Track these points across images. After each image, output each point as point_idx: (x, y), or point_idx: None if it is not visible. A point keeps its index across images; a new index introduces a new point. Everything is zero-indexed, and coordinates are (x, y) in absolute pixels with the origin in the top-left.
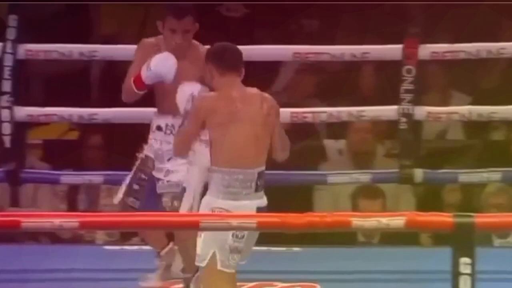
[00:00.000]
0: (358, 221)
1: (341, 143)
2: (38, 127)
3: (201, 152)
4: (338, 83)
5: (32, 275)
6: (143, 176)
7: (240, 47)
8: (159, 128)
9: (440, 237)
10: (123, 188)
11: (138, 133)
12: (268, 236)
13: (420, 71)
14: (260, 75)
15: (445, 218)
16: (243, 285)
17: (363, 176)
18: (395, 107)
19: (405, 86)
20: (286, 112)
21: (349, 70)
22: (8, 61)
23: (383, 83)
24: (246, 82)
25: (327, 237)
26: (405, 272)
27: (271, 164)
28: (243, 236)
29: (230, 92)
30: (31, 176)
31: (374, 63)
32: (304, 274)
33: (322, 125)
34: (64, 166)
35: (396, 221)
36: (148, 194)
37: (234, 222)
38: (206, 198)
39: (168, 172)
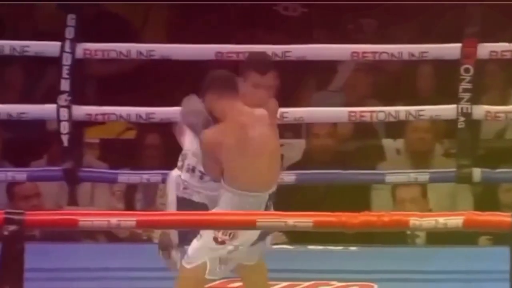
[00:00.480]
0: (416, 220)
1: (399, 143)
2: (95, 126)
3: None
4: (396, 82)
5: (89, 274)
6: None
7: (298, 46)
8: None
9: (498, 236)
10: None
11: None
12: (325, 236)
13: (478, 70)
14: (318, 74)
15: (503, 217)
16: (300, 284)
17: (421, 176)
18: (453, 106)
19: (464, 85)
20: (343, 112)
21: (408, 69)
22: (67, 60)
23: (442, 82)
24: (305, 81)
25: (384, 236)
26: (462, 272)
27: (330, 163)
28: (237, 249)
29: (236, 120)
30: (89, 175)
31: (432, 62)
32: (361, 274)
33: (380, 124)
34: (121, 165)
35: (454, 220)
36: None
37: (291, 221)
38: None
39: None
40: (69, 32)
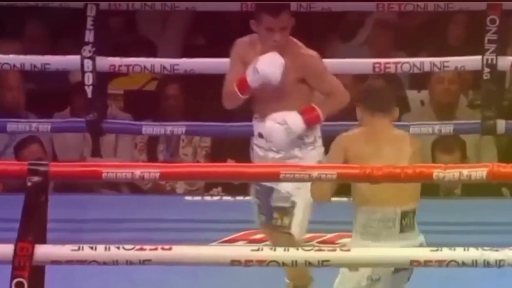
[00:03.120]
0: (440, 172)
1: (423, 94)
2: (119, 77)
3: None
4: (422, 34)
5: (112, 225)
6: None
7: None
8: (261, 135)
9: None
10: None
11: (217, 83)
12: (349, 187)
13: (504, 21)
14: (343, 27)
15: None
16: (323, 236)
17: (445, 127)
18: (478, 57)
19: (489, 36)
20: (368, 63)
21: (434, 21)
22: (91, 11)
23: (468, 33)
24: (330, 33)
25: None
26: (487, 224)
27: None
28: (378, 279)
29: (375, 131)
30: (113, 126)
31: (460, 14)
32: None
33: (404, 75)
34: (144, 116)
35: (478, 172)
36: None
37: (315, 173)
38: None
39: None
40: None
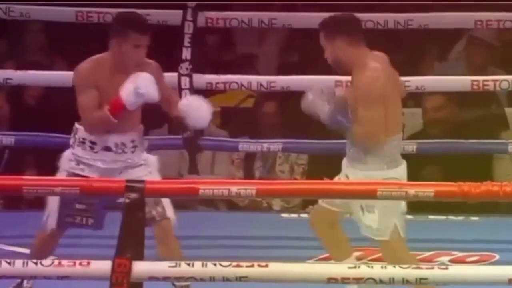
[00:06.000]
0: None
1: None
2: (216, 95)
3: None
4: None
5: (209, 242)
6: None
7: (420, 14)
8: (108, 148)
9: None
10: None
11: None
12: (446, 205)
13: None
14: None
15: None
16: (421, 254)
17: None
18: None
19: None
20: (466, 80)
21: None
22: (188, 28)
23: None
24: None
25: (506, 206)
26: None
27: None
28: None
29: (377, 65)
30: (210, 143)
31: None
32: (482, 244)
33: (503, 93)
34: (240, 133)
35: None
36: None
37: (412, 191)
38: (365, 174)
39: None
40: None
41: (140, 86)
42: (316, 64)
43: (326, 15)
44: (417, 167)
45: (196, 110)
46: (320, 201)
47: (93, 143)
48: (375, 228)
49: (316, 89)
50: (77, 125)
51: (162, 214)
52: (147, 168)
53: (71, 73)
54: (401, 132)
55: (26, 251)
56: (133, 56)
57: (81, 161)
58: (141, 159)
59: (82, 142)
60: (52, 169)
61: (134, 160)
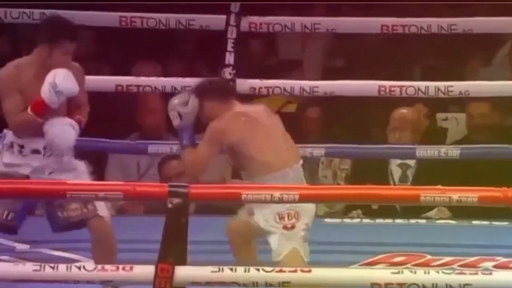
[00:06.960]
0: None
1: None
2: (257, 100)
3: None
4: None
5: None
6: None
7: (463, 19)
8: (36, 151)
9: None
10: None
11: (358, 104)
12: (489, 211)
13: None
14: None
15: None
16: (464, 259)
17: None
18: None
19: None
20: (511, 86)
21: None
22: (232, 33)
23: None
24: (471, 54)
25: None
26: None
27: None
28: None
29: (236, 110)
30: None
31: None
32: None
33: None
34: None
35: None
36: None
37: (455, 196)
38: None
39: None
40: (234, 6)
41: (57, 82)
42: (361, 68)
43: (370, 20)
44: (461, 172)
45: (60, 130)
46: (240, 212)
47: (21, 146)
48: (274, 250)
49: (183, 95)
50: (5, 131)
51: (93, 212)
52: (78, 173)
53: None
54: (281, 170)
55: (70, 255)
56: (63, 62)
57: (11, 167)
58: (72, 164)
59: (11, 146)
60: None
61: (63, 164)
